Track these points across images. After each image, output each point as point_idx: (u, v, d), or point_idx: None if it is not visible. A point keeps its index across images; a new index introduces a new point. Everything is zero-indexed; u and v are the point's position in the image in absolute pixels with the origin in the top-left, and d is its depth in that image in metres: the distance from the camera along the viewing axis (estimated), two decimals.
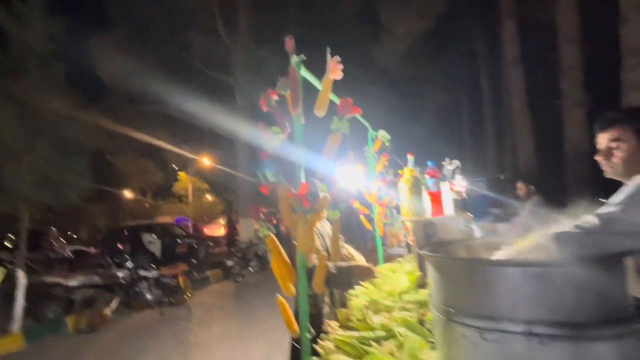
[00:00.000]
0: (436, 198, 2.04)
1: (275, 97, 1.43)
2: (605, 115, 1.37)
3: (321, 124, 1.55)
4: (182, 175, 22.62)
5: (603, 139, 1.37)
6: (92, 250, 8.79)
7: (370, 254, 2.90)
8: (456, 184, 2.37)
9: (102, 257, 7.14)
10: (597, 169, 1.50)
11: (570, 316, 1.05)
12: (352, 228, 4.92)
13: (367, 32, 12.04)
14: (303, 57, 1.35)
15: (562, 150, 7.61)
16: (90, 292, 5.72)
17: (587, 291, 1.06)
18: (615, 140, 1.33)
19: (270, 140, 1.35)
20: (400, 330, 1.61)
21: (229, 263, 8.54)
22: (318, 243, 2.28)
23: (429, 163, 2.13)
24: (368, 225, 2.85)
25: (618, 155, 1.33)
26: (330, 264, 1.97)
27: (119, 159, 13.57)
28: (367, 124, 2.83)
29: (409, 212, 2.13)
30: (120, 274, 5.52)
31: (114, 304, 5.30)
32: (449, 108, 16.36)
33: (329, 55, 1.50)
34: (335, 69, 1.50)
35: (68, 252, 8.20)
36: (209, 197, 23.37)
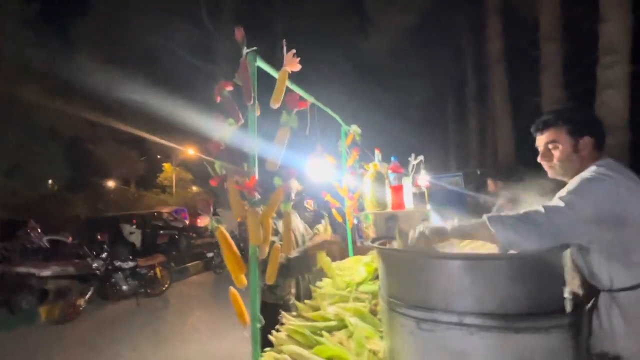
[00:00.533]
0: (397, 192, 2.07)
1: (229, 88, 1.41)
2: (540, 118, 1.40)
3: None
4: (166, 166, 22.25)
5: (541, 142, 1.40)
6: (70, 240, 8.60)
7: (355, 248, 2.94)
8: (420, 179, 2.41)
9: (80, 247, 6.99)
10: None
11: (500, 308, 1.09)
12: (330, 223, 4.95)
13: (354, 25, 11.96)
14: (255, 48, 1.34)
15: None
16: (64, 283, 5.63)
17: (517, 284, 1.10)
18: (551, 142, 1.36)
19: (220, 131, 1.33)
20: (352, 320, 1.64)
21: (209, 254, 8.50)
22: (293, 236, 2.29)
23: (392, 158, 2.16)
24: (339, 218, 2.87)
25: (555, 156, 1.36)
26: (282, 255, 1.99)
27: (100, 148, 13.23)
28: (338, 118, 2.83)
29: (371, 204, 2.16)
30: (94, 264, 5.44)
31: (88, 295, 5.22)
32: (435, 103, 16.49)
33: (285, 48, 1.49)
34: (292, 62, 1.49)
35: (44, 242, 8.00)
36: (194, 188, 23.10)
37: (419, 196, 2.11)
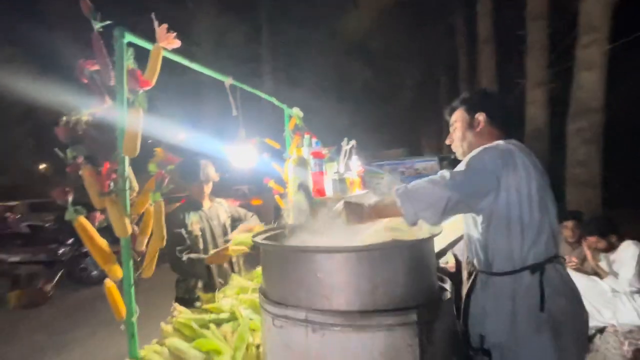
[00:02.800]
0: (318, 178, 1.98)
1: (93, 67, 1.29)
2: (451, 104, 1.45)
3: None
4: (158, 150, 21.99)
5: (450, 125, 1.44)
6: (50, 225, 8.60)
7: None
8: (352, 165, 2.32)
9: (60, 232, 6.97)
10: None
11: (344, 305, 1.02)
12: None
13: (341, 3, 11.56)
14: (108, 22, 1.22)
15: (523, 129, 7.62)
16: (36, 269, 5.64)
17: (363, 279, 1.02)
18: (453, 123, 1.41)
19: (76, 115, 1.23)
20: (245, 312, 1.59)
21: None
22: (210, 227, 2.22)
23: (315, 144, 2.05)
24: (282, 205, 2.79)
25: (455, 136, 1.40)
26: (184, 256, 1.98)
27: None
28: (275, 101, 2.71)
29: (292, 190, 2.08)
30: (60, 250, 5.42)
31: (55, 281, 5.23)
32: (427, 84, 16.15)
33: (156, 23, 1.36)
34: (165, 38, 1.37)
35: (24, 227, 8.00)
36: (181, 137, 22.87)
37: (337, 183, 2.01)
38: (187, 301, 1.89)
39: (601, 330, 2.41)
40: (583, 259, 2.81)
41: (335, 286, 1.01)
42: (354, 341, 0.97)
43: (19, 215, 8.40)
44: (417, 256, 1.08)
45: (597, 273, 2.63)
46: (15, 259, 5.27)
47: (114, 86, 1.27)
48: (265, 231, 1.48)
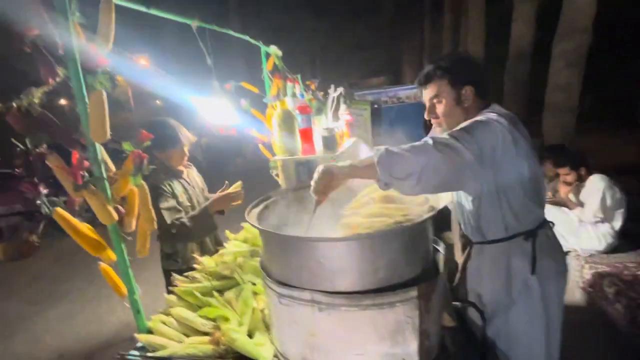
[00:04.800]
0: (306, 135, 1.88)
1: (34, 33, 1.06)
2: (422, 72, 1.30)
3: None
4: (119, 79, 20.12)
5: (426, 97, 1.31)
6: (20, 172, 8.13)
7: None
8: (341, 114, 2.20)
9: (31, 179, 6.63)
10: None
11: (348, 287, 1.05)
12: None
13: None
14: None
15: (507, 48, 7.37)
16: (16, 220, 5.50)
17: (365, 261, 1.04)
18: (435, 97, 1.27)
19: (26, 97, 1.05)
20: (246, 277, 1.63)
21: None
22: (187, 194, 2.05)
23: (300, 96, 1.90)
24: (268, 155, 2.70)
25: (439, 111, 1.29)
26: (182, 216, 1.89)
27: (27, 64, 11.55)
28: (248, 38, 2.41)
29: (279, 150, 1.98)
30: (38, 201, 5.23)
31: (39, 231, 5.16)
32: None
33: None
34: None
35: None
36: (158, 102, 21.54)
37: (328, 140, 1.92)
38: (179, 273, 1.77)
39: (565, 254, 2.69)
40: (555, 191, 2.99)
41: (338, 270, 1.03)
42: (358, 318, 1.03)
43: None
44: (418, 235, 1.09)
45: (567, 204, 2.84)
46: None
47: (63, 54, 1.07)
48: (260, 200, 1.44)
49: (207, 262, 1.79)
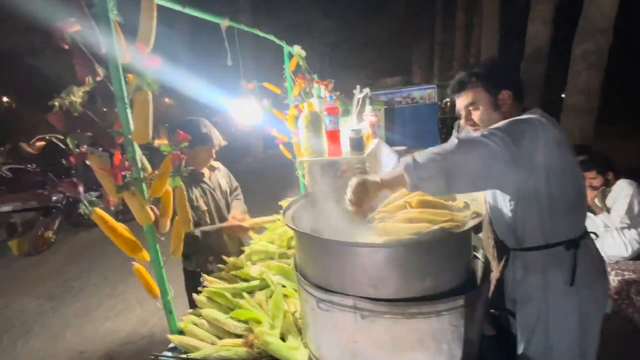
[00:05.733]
0: (333, 137, 1.85)
1: (75, 29, 1.05)
2: (455, 79, 1.29)
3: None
4: (130, 77, 20.23)
5: (461, 105, 1.29)
6: (33, 167, 8.24)
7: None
8: (366, 115, 2.17)
9: (45, 174, 6.69)
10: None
11: (392, 294, 1.03)
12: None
13: None
14: None
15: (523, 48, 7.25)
16: (31, 215, 5.56)
17: (412, 269, 1.02)
18: (470, 104, 1.26)
19: (68, 96, 1.04)
20: (275, 278, 1.62)
21: None
22: (213, 197, 2.08)
23: (329, 98, 1.87)
24: (288, 155, 2.68)
25: (477, 118, 1.27)
26: (196, 230, 1.89)
27: (40, 61, 11.62)
28: (273, 38, 2.39)
29: (306, 151, 1.96)
30: (54, 197, 5.29)
31: (54, 227, 5.22)
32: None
33: None
34: None
35: (5, 171, 7.64)
36: (167, 100, 21.67)
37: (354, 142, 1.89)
38: (198, 275, 1.76)
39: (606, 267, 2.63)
40: None
41: (383, 277, 1.01)
42: (403, 326, 1.00)
43: None
44: (463, 241, 1.06)
45: (592, 209, 2.77)
46: (6, 208, 5.13)
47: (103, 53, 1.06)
48: (292, 202, 1.42)
49: (233, 262, 1.78)
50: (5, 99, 15.06)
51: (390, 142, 3.10)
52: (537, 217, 1.17)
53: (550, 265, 1.19)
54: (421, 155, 1.00)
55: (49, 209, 5.37)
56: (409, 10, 14.95)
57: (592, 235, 1.28)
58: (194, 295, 1.57)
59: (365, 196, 1.06)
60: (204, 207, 1.97)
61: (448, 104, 12.91)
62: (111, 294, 3.73)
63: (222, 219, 2.06)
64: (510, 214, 1.22)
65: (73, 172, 6.02)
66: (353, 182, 1.08)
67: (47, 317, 3.40)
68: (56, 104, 1.01)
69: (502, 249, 1.32)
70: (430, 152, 1.00)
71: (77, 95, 1.04)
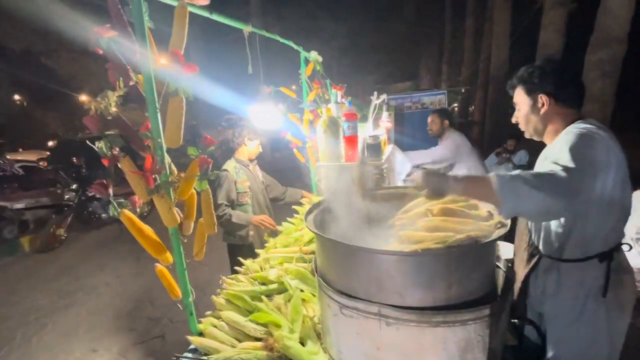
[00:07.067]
0: (351, 143, 1.87)
1: (111, 34, 1.08)
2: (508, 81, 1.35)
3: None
4: (140, 77, 20.43)
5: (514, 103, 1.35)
6: (44, 165, 8.37)
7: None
8: (382, 121, 2.19)
9: (55, 172, 6.79)
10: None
11: (418, 302, 1.04)
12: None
13: None
14: None
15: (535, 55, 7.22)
16: (43, 212, 5.64)
17: (438, 278, 1.02)
18: (516, 104, 1.32)
19: (104, 100, 1.06)
20: (293, 282, 1.63)
21: None
22: (251, 190, 2.53)
23: (347, 103, 1.89)
24: (301, 158, 2.71)
25: (519, 118, 1.33)
26: (227, 211, 2.25)
27: (55, 61, 11.83)
28: (292, 44, 2.42)
29: (324, 156, 1.98)
30: (67, 195, 5.37)
31: (66, 224, 5.28)
32: (432, 3, 14.70)
33: None
34: None
35: (17, 169, 7.78)
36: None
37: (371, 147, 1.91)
38: (241, 248, 2.35)
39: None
40: None
41: (410, 285, 1.01)
42: (428, 335, 1.01)
43: (9, 156, 8.11)
44: (489, 251, 1.07)
45: None
46: (19, 205, 5.22)
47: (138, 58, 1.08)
48: (313, 207, 1.43)
49: (251, 265, 1.80)
50: (16, 96, 15.34)
51: (399, 147, 3.13)
52: (584, 232, 1.16)
53: (585, 277, 1.19)
54: (517, 183, 0.97)
55: (60, 207, 5.45)
56: (418, 15, 14.97)
57: (625, 247, 1.27)
58: (213, 297, 1.58)
59: (445, 192, 1.06)
60: (247, 189, 2.45)
61: (456, 109, 12.87)
62: (122, 293, 3.77)
63: (259, 205, 2.56)
64: (557, 229, 1.21)
65: (83, 170, 6.09)
66: (419, 176, 1.08)
67: (60, 314, 3.44)
68: (92, 107, 1.03)
69: (534, 255, 1.31)
70: (528, 185, 0.97)
71: (112, 100, 1.07)
